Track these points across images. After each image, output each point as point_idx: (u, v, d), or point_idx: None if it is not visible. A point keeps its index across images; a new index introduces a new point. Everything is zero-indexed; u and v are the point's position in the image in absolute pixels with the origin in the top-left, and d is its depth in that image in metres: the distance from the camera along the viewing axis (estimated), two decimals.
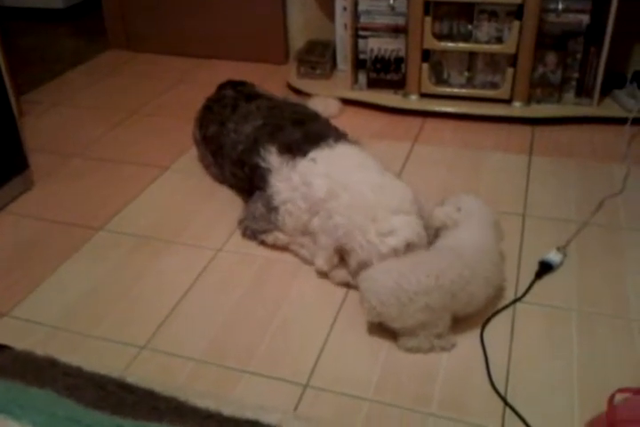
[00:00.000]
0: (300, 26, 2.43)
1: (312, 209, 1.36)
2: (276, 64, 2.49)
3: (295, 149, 1.43)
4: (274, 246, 1.44)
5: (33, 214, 1.62)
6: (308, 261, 1.39)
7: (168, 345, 1.20)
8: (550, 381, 1.10)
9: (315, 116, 1.58)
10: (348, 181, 1.32)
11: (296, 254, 1.41)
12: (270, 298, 1.31)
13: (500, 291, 1.26)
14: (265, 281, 1.36)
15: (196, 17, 2.53)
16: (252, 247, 1.46)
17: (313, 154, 1.40)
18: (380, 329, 1.19)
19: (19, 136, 1.68)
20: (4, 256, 1.47)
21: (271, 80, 2.36)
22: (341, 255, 1.30)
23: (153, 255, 1.45)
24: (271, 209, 1.41)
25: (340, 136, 1.48)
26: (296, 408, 1.06)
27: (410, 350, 1.16)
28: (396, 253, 1.22)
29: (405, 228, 1.24)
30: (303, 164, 1.40)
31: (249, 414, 1.02)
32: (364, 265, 1.23)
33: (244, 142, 1.51)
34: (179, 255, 1.45)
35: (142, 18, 2.61)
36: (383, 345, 1.18)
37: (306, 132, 1.46)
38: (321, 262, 1.30)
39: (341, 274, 1.32)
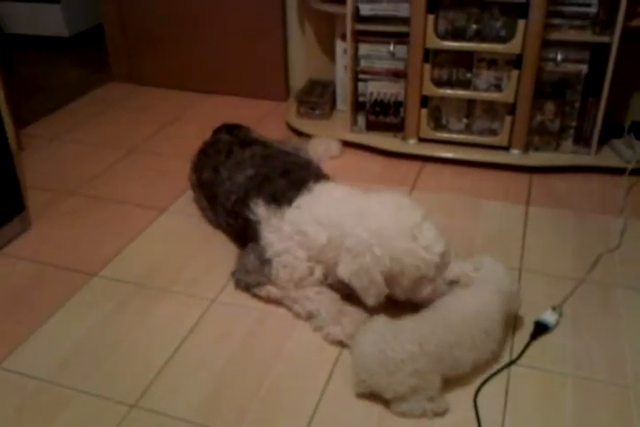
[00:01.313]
0: (301, 64, 2.45)
1: (316, 257, 1.35)
2: (276, 101, 2.51)
3: (280, 197, 1.43)
4: (268, 300, 1.43)
5: (29, 257, 1.61)
6: (302, 317, 1.38)
7: (159, 404, 1.18)
8: None
9: (305, 165, 1.58)
10: (347, 213, 1.31)
11: (289, 309, 1.40)
12: (263, 356, 1.29)
13: (493, 355, 1.24)
14: (258, 337, 1.34)
15: (198, 52, 2.54)
16: (246, 298, 1.45)
17: (297, 202, 1.40)
18: (373, 392, 1.18)
19: (16, 177, 1.68)
20: None
21: (271, 117, 2.37)
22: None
23: (147, 305, 1.44)
24: (264, 261, 1.41)
25: (318, 178, 1.48)
26: None
27: (402, 414, 1.15)
28: (443, 258, 1.26)
29: (437, 234, 1.27)
30: (290, 212, 1.39)
31: None
32: (420, 282, 1.26)
33: (237, 193, 1.51)
34: (172, 305, 1.44)
35: (145, 51, 2.63)
36: (375, 409, 1.17)
37: (290, 180, 1.47)
38: (372, 300, 1.28)
39: (335, 331, 1.31)
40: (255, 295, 1.44)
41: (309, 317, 1.36)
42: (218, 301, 1.45)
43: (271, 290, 1.40)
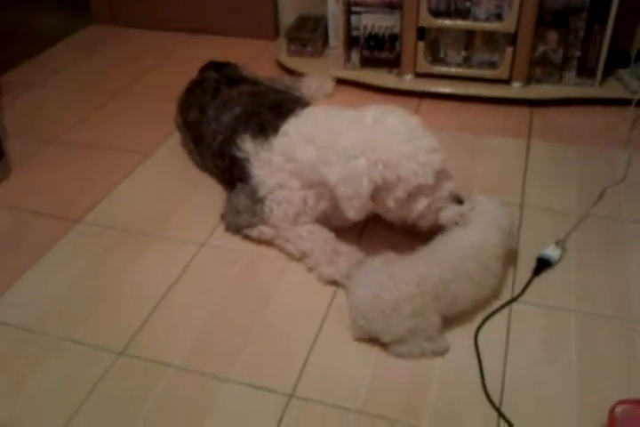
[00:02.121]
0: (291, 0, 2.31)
1: (307, 181, 1.27)
2: (265, 39, 2.38)
3: (267, 128, 1.35)
4: (259, 241, 1.38)
5: (9, 205, 1.55)
6: (295, 257, 1.32)
7: (147, 351, 1.14)
8: (547, 390, 1.05)
9: (295, 100, 1.49)
10: (338, 127, 1.21)
11: (281, 249, 1.35)
12: (254, 299, 1.25)
13: (493, 291, 1.20)
14: (249, 280, 1.29)
15: None
16: (236, 242, 1.39)
17: (284, 128, 1.32)
18: (371, 337, 1.14)
19: None
20: None
21: (261, 57, 2.26)
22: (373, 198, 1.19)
23: (133, 251, 1.38)
24: (256, 201, 1.34)
25: (305, 105, 1.40)
26: (280, 420, 1.01)
27: (400, 355, 1.11)
28: (442, 166, 1.17)
29: (434, 141, 1.18)
30: (278, 141, 1.31)
31: None
32: (418, 192, 1.17)
33: (224, 132, 1.43)
34: (160, 251, 1.38)
35: None
36: (372, 351, 1.13)
37: (278, 112, 1.38)
38: (353, 213, 1.18)
39: (329, 271, 1.26)
40: (246, 237, 1.38)
41: (302, 256, 1.30)
42: (207, 244, 1.39)
43: (263, 230, 1.34)
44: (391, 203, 1.18)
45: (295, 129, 1.30)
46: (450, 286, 1.10)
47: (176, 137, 1.75)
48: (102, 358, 1.13)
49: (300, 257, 1.31)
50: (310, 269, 1.29)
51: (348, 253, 1.28)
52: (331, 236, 1.32)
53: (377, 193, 1.17)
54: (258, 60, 2.23)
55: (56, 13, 2.77)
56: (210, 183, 1.58)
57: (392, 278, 1.09)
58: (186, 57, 2.30)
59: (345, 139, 1.17)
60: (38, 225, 1.48)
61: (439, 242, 1.19)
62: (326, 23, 2.15)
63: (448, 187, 1.20)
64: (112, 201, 1.55)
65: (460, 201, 1.22)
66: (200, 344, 1.15)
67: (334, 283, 1.26)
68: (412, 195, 1.17)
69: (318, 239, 1.30)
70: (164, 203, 1.53)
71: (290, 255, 1.33)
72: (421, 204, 1.19)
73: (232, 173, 1.42)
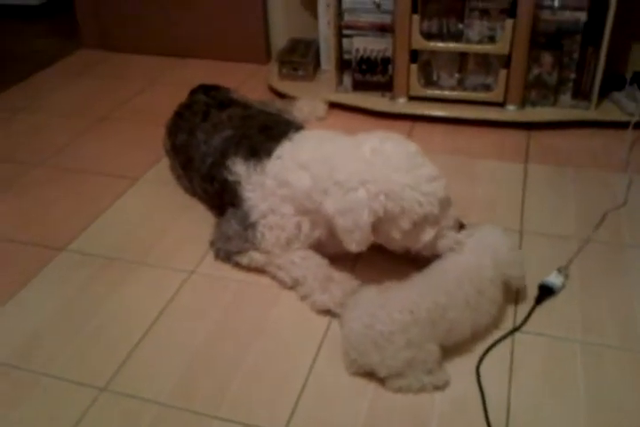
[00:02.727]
0: (283, 23, 2.30)
1: (302, 208, 1.23)
2: (257, 64, 2.36)
3: (259, 151, 1.31)
4: (250, 268, 1.32)
5: None
6: (287, 285, 1.27)
7: (131, 386, 1.08)
8: (553, 424, 0.99)
9: (287, 123, 1.46)
10: (334, 156, 1.17)
11: (273, 277, 1.29)
12: (245, 331, 1.19)
13: (491, 318, 1.14)
14: (239, 310, 1.24)
15: (171, 14, 2.39)
16: (226, 270, 1.34)
17: (277, 152, 1.28)
18: (367, 371, 1.08)
19: None
20: None
21: (252, 81, 2.23)
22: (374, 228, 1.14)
23: (118, 280, 1.32)
24: (247, 226, 1.29)
25: (298, 128, 1.37)
26: None
27: (399, 390, 1.05)
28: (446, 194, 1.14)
29: (436, 168, 1.14)
30: (271, 164, 1.27)
31: None
32: (423, 222, 1.12)
33: (213, 155, 1.39)
34: (146, 280, 1.32)
35: (116, 15, 2.47)
36: (369, 385, 1.07)
37: (269, 135, 1.34)
38: (354, 246, 1.13)
39: (323, 299, 1.20)
40: (237, 264, 1.32)
41: (295, 284, 1.25)
42: (196, 272, 1.34)
43: (254, 256, 1.29)
44: (396, 234, 1.14)
45: (289, 153, 1.26)
46: (445, 312, 1.05)
47: (164, 162, 1.71)
48: (83, 394, 1.06)
49: (293, 285, 1.25)
50: (303, 298, 1.23)
51: (341, 280, 1.23)
52: (324, 262, 1.27)
53: (379, 224, 1.13)
54: (249, 83, 2.21)
55: (46, 38, 2.77)
56: (198, 209, 1.53)
57: (384, 307, 1.04)
58: (175, 81, 2.28)
59: (342, 169, 1.13)
60: (18, 255, 1.42)
61: (434, 268, 1.15)
62: (318, 46, 2.13)
63: (452, 214, 1.17)
64: (97, 228, 1.50)
65: (461, 226, 1.18)
66: (187, 379, 1.09)
67: (328, 312, 1.20)
68: (418, 225, 1.13)
69: (311, 266, 1.25)
70: (151, 230, 1.48)
71: (282, 283, 1.27)
72: (428, 234, 1.15)
73: (222, 198, 1.37)
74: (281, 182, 1.25)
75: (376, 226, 1.13)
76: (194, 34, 2.39)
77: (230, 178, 1.32)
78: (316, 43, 2.14)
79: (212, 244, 1.36)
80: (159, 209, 1.55)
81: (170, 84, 2.26)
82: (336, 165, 1.15)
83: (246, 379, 1.08)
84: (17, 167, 1.76)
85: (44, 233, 1.48)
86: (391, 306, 1.04)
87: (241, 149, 1.34)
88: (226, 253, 1.32)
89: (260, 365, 1.11)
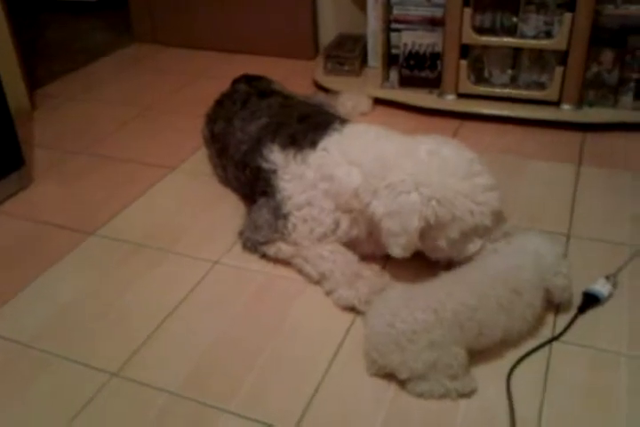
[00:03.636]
0: (332, 18, 2.26)
1: (345, 206, 1.17)
2: (304, 59, 2.33)
3: (301, 139, 1.25)
4: (277, 260, 1.28)
5: (25, 215, 1.50)
6: (313, 279, 1.22)
7: (143, 373, 1.05)
8: None
9: (327, 114, 1.41)
10: (389, 155, 1.12)
11: (299, 270, 1.24)
12: (265, 324, 1.14)
13: (527, 324, 1.05)
14: (262, 303, 1.19)
15: (223, 10, 2.38)
16: (253, 261, 1.30)
17: (323, 143, 1.22)
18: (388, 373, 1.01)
19: (14, 131, 1.56)
20: None
21: (297, 76, 2.20)
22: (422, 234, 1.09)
23: (144, 266, 1.30)
24: (279, 217, 1.24)
25: (344, 121, 1.31)
26: None
27: (421, 395, 0.98)
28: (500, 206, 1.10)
29: (492, 179, 1.10)
30: (315, 155, 1.22)
31: None
32: (472, 233, 1.09)
33: (248, 142, 1.35)
34: (172, 267, 1.30)
35: (169, 11, 2.49)
36: (389, 388, 1.00)
37: (309, 124, 1.29)
38: (398, 251, 1.09)
39: (348, 295, 1.14)
40: (264, 255, 1.28)
41: (321, 279, 1.19)
42: (221, 263, 1.30)
43: (282, 247, 1.24)
44: (442, 243, 1.09)
45: (337, 146, 1.21)
46: (474, 313, 0.97)
47: (203, 152, 1.69)
48: (95, 378, 1.04)
49: (319, 279, 1.20)
50: (328, 293, 1.18)
51: (370, 276, 1.17)
52: (354, 258, 1.21)
53: (427, 231, 1.08)
54: (294, 79, 2.17)
55: (100, 32, 2.82)
56: (231, 200, 1.50)
57: (408, 306, 0.97)
58: (222, 75, 2.24)
59: (396, 170, 1.09)
60: (50, 236, 1.42)
61: (466, 267, 1.07)
62: (366, 42, 2.08)
63: (502, 228, 1.12)
64: (129, 215, 1.49)
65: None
66: (200, 370, 1.05)
67: (352, 309, 1.14)
68: (466, 235, 1.08)
69: (340, 261, 1.19)
70: (182, 218, 1.46)
71: (308, 277, 1.22)
72: (475, 245, 1.10)
73: (253, 187, 1.33)
74: (324, 176, 1.19)
75: (424, 232, 1.08)
76: (243, 30, 2.38)
77: (265, 166, 1.28)
78: (364, 38, 2.09)
79: (240, 233, 1.32)
80: (191, 199, 1.53)
81: (217, 77, 2.24)
82: (390, 164, 1.10)
83: (261, 374, 1.04)
84: (61, 154, 1.77)
85: (77, 217, 1.48)
86: (415, 305, 0.97)
87: (279, 136, 1.30)
88: (253, 242, 1.28)
89: (276, 360, 1.06)
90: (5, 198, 1.55)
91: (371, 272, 1.19)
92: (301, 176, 1.22)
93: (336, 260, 1.19)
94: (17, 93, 1.99)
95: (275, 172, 1.26)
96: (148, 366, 1.06)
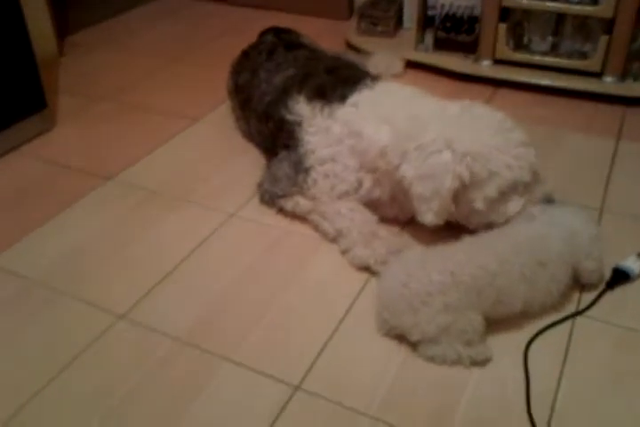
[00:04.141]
0: None
1: (370, 165, 1.13)
2: (338, 19, 2.25)
3: (329, 92, 1.20)
4: (294, 216, 1.24)
5: (44, 157, 1.48)
6: (329, 236, 1.17)
7: (150, 318, 1.03)
8: (608, 425, 0.86)
9: (355, 66, 1.35)
10: (422, 114, 1.08)
11: (316, 227, 1.20)
12: (276, 278, 1.11)
13: (550, 296, 0.99)
14: (275, 257, 1.16)
15: None
16: (269, 216, 1.26)
17: (353, 98, 1.17)
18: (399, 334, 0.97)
19: (38, 74, 1.52)
20: (2, 199, 1.33)
21: (329, 35, 2.13)
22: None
23: (159, 212, 1.28)
24: (300, 171, 1.20)
25: (375, 77, 1.26)
26: (279, 414, 0.86)
27: (432, 359, 0.94)
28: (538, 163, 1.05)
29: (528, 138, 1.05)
30: (344, 110, 1.17)
31: None
32: (512, 191, 1.03)
33: (272, 93, 1.30)
34: (187, 216, 1.27)
35: None
36: (400, 349, 0.96)
37: (338, 76, 1.24)
38: (430, 217, 1.03)
39: (364, 254, 1.10)
40: (281, 209, 1.24)
41: (338, 236, 1.15)
42: (237, 215, 1.27)
43: (300, 201, 1.20)
44: (479, 204, 1.03)
45: (368, 102, 1.15)
46: (494, 279, 0.93)
47: (227, 105, 1.65)
48: (101, 319, 1.02)
49: (335, 236, 1.16)
50: (344, 252, 1.14)
51: (387, 237, 1.12)
52: (372, 218, 1.17)
53: (462, 193, 1.02)
54: (326, 37, 2.09)
55: None
56: (253, 154, 1.46)
57: (424, 267, 0.93)
58: (252, 32, 2.17)
59: (429, 130, 1.04)
60: (69, 178, 1.40)
61: (493, 232, 1.02)
62: (402, 1, 2.00)
63: (543, 189, 1.07)
64: (149, 162, 1.46)
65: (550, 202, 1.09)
66: (207, 319, 1.02)
67: (367, 269, 1.10)
68: (505, 194, 1.03)
69: (358, 219, 1.15)
70: (201, 169, 1.42)
71: (324, 234, 1.18)
72: (515, 205, 1.04)
73: (276, 140, 1.29)
74: (352, 132, 1.14)
75: (458, 195, 1.02)
76: None
77: (289, 117, 1.23)
78: None
79: (259, 185, 1.28)
80: (212, 151, 1.49)
81: (247, 33, 2.15)
82: (422, 124, 1.05)
83: (268, 327, 1.01)
84: (86, 100, 1.74)
85: (95, 162, 1.45)
86: (432, 266, 0.93)
87: (305, 87, 1.24)
88: (271, 195, 1.24)
89: (285, 315, 1.03)
90: (26, 140, 1.53)
91: (389, 232, 1.14)
92: (327, 130, 1.17)
93: (354, 218, 1.15)
94: (44, 38, 1.96)
95: (300, 124, 1.21)
96: (156, 311, 1.04)
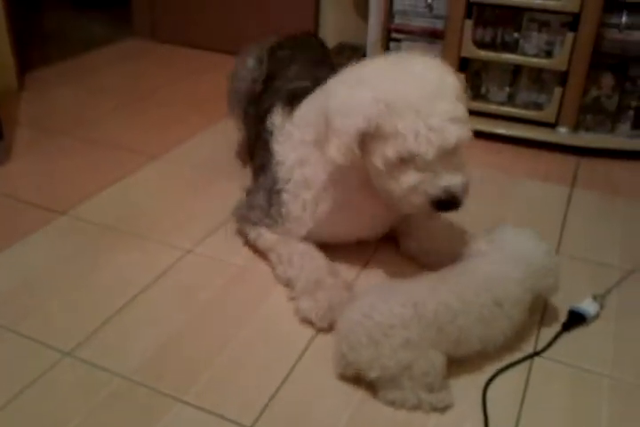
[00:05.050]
0: (332, 27, 2.25)
1: (320, 134, 1.04)
2: None
3: (300, 98, 1.16)
4: (254, 252, 1.22)
5: None
6: (281, 282, 1.14)
7: (97, 355, 0.97)
8: None
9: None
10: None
11: (272, 268, 1.17)
12: (231, 317, 1.07)
13: (504, 336, 0.98)
14: (230, 294, 1.13)
15: (223, 11, 2.36)
16: (227, 253, 1.24)
17: (307, 99, 1.14)
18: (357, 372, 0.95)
19: None
20: None
21: None
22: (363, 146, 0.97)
23: (113, 248, 1.24)
24: (273, 200, 1.15)
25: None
26: None
27: (392, 403, 0.91)
28: (456, 149, 0.95)
29: (464, 114, 0.97)
30: (298, 108, 1.15)
31: None
32: (409, 162, 0.94)
33: (269, 100, 1.28)
34: (142, 252, 1.23)
35: (169, 8, 2.47)
36: (357, 393, 0.93)
37: (316, 79, 1.19)
38: (334, 151, 0.96)
39: (306, 308, 1.05)
40: (246, 240, 1.22)
41: (288, 283, 1.12)
42: (195, 252, 1.24)
43: (264, 234, 1.17)
44: (378, 161, 0.96)
45: (319, 94, 1.11)
46: (456, 318, 0.92)
47: (189, 144, 1.65)
48: (46, 356, 0.97)
49: (286, 284, 1.13)
50: (291, 299, 1.10)
51: (332, 288, 1.07)
52: (323, 263, 1.12)
53: (367, 142, 0.96)
54: None
55: (100, 25, 2.79)
56: (217, 190, 1.45)
57: (388, 300, 0.91)
58: (216, 75, 2.20)
59: (358, 72, 0.99)
60: (21, 212, 1.35)
61: (452, 269, 1.02)
62: (365, 52, 2.06)
63: (453, 179, 0.96)
64: (104, 198, 1.42)
65: (455, 204, 0.98)
66: (159, 357, 0.98)
67: (311, 324, 1.05)
68: (403, 162, 0.94)
69: (308, 267, 1.11)
70: (159, 206, 1.40)
71: (277, 278, 1.15)
72: (409, 178, 0.95)
73: (256, 158, 1.27)
74: (305, 123, 1.10)
75: (364, 142, 0.96)
76: (243, 33, 2.36)
77: (268, 128, 1.21)
78: (364, 48, 2.07)
79: (236, 209, 1.24)
80: (170, 187, 1.47)
81: (212, 76, 2.21)
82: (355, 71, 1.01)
83: (223, 366, 0.97)
84: (43, 134, 1.71)
85: (50, 196, 1.41)
86: (395, 299, 0.91)
87: (283, 95, 1.22)
88: (246, 220, 1.21)
89: (241, 353, 0.99)
90: None
91: (335, 282, 1.09)
92: (290, 135, 1.14)
93: (304, 265, 1.11)
94: (5, 72, 1.95)
95: (271, 134, 1.19)
96: (104, 349, 0.99)
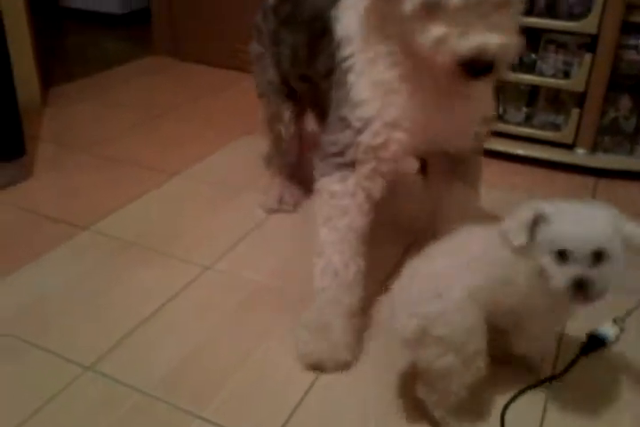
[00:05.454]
0: None
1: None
2: None
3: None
4: (268, 270, 1.23)
5: (19, 204, 1.46)
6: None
7: (117, 370, 0.98)
8: None
9: None
10: None
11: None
12: (249, 334, 1.08)
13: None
14: (250, 311, 1.13)
15: (243, 30, 2.39)
16: (245, 269, 1.25)
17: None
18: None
19: (19, 121, 1.53)
20: None
21: None
22: None
23: (132, 264, 1.25)
24: (346, 122, 1.00)
25: None
26: None
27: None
28: (496, 5, 0.83)
29: None
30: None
31: None
32: (434, 7, 0.83)
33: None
34: (161, 268, 1.25)
35: (189, 26, 2.52)
36: (376, 410, 0.93)
37: None
38: None
39: (308, 351, 1.02)
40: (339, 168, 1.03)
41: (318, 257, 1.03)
42: (212, 268, 1.25)
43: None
44: (408, 4, 0.85)
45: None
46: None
47: (208, 161, 1.67)
48: (67, 370, 0.98)
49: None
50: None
51: (339, 329, 1.01)
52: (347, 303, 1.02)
53: None
54: None
55: (122, 43, 2.85)
56: (236, 206, 1.47)
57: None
58: (236, 93, 2.25)
59: None
60: (42, 228, 1.37)
61: None
62: None
63: (486, 37, 0.83)
64: (125, 214, 1.44)
65: (486, 67, 0.85)
66: (177, 373, 0.99)
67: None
68: (429, 12, 0.83)
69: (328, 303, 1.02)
70: (178, 222, 1.41)
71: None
72: (435, 31, 0.84)
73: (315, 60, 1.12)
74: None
75: None
76: None
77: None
78: None
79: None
80: (190, 204, 1.49)
81: (231, 94, 2.24)
82: None
83: (241, 384, 0.97)
84: (66, 150, 1.74)
85: (71, 212, 1.44)
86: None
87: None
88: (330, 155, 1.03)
89: (258, 371, 1.00)
90: (2, 187, 1.51)
91: (344, 324, 1.01)
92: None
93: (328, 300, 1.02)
94: (29, 88, 1.98)
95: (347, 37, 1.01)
96: (124, 364, 1.00)
